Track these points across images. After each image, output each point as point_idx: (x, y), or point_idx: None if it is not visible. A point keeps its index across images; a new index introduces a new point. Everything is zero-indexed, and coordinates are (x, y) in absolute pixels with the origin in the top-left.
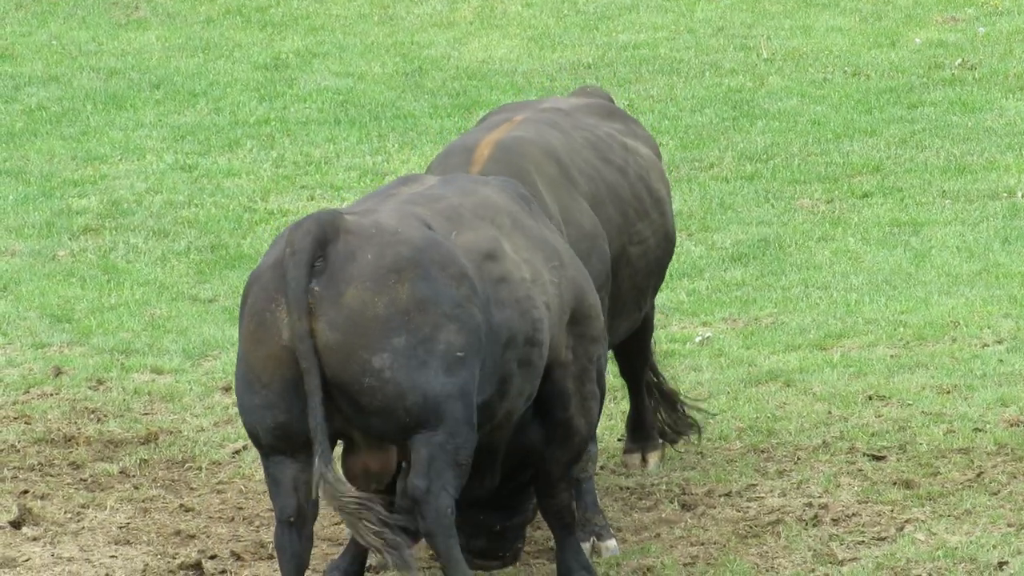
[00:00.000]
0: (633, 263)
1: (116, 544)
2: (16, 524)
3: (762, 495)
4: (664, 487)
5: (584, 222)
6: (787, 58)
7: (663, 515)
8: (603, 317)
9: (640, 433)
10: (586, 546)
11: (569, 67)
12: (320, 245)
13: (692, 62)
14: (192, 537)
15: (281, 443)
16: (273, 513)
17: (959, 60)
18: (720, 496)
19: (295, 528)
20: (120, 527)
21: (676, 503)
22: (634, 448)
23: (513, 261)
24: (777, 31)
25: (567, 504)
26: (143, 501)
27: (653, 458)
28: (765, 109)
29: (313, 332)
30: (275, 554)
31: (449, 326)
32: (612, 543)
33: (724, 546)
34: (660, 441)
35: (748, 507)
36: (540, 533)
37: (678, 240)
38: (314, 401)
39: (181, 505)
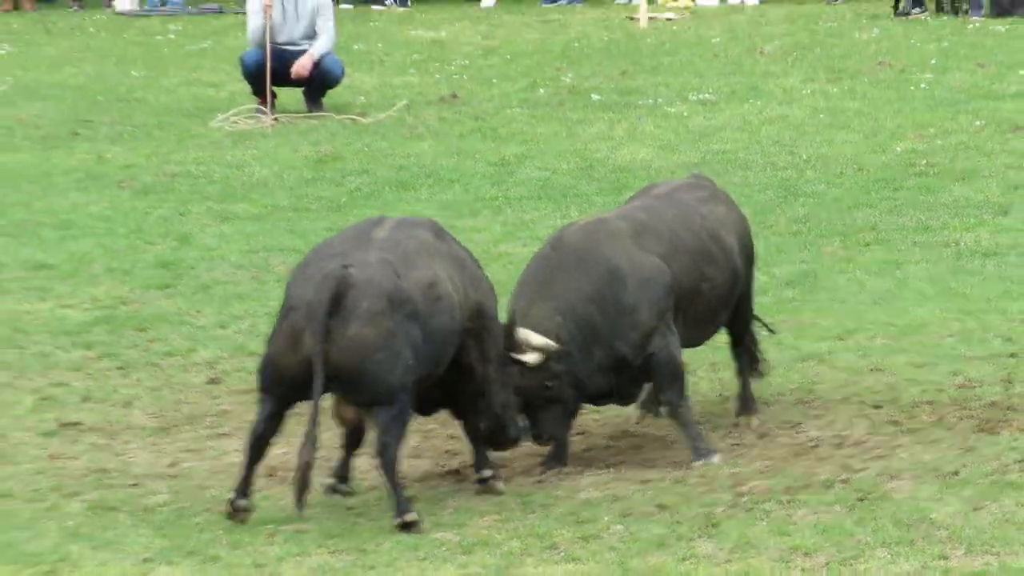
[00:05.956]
0: (704, 293)
1: (410, 458)
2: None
3: (806, 429)
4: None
5: (655, 269)
6: (818, 160)
7: (745, 441)
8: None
9: (744, 405)
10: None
11: (683, 165)
12: None
13: (759, 162)
14: (456, 454)
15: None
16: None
17: (925, 160)
18: (781, 429)
19: None
20: (412, 447)
21: (754, 434)
22: (742, 413)
23: None
24: (812, 143)
25: None
26: (425, 431)
27: (753, 420)
28: (804, 191)
29: None
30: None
31: None
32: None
33: (784, 460)
34: (756, 409)
35: (798, 436)
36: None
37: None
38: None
39: (448, 435)
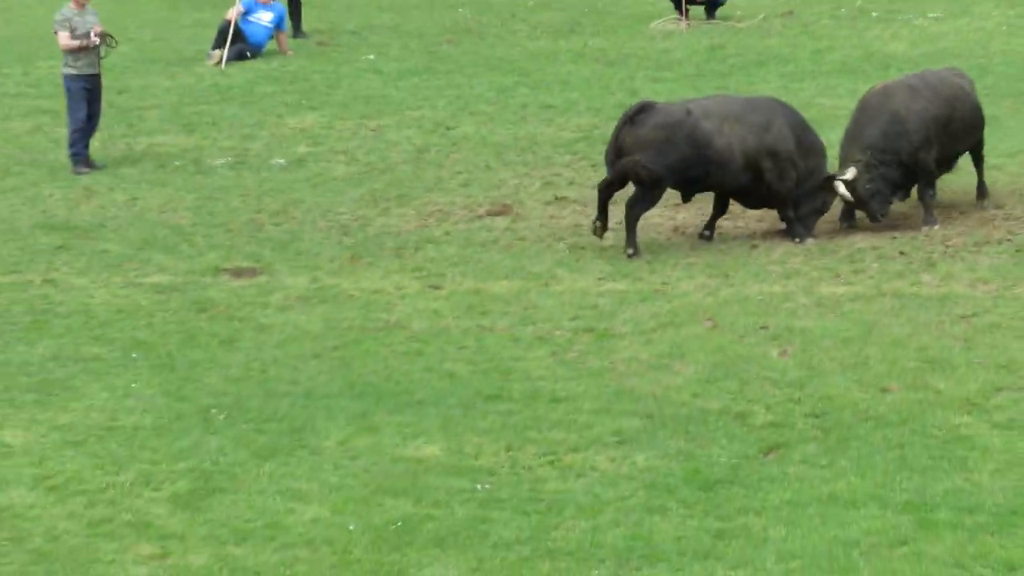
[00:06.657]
0: (954, 125)
1: (757, 220)
2: None
3: (987, 208)
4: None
5: (921, 110)
6: (1001, 53)
7: (951, 216)
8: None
9: (980, 191)
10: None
11: (923, 55)
12: None
13: (966, 53)
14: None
15: None
16: None
17: None
18: (971, 208)
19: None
20: (761, 215)
21: (956, 210)
22: (979, 197)
23: None
24: (998, 43)
25: None
26: (768, 215)
27: (985, 200)
28: (992, 71)
29: None
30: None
31: None
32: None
33: (974, 226)
34: (987, 194)
35: (982, 213)
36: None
37: None
38: None
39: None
